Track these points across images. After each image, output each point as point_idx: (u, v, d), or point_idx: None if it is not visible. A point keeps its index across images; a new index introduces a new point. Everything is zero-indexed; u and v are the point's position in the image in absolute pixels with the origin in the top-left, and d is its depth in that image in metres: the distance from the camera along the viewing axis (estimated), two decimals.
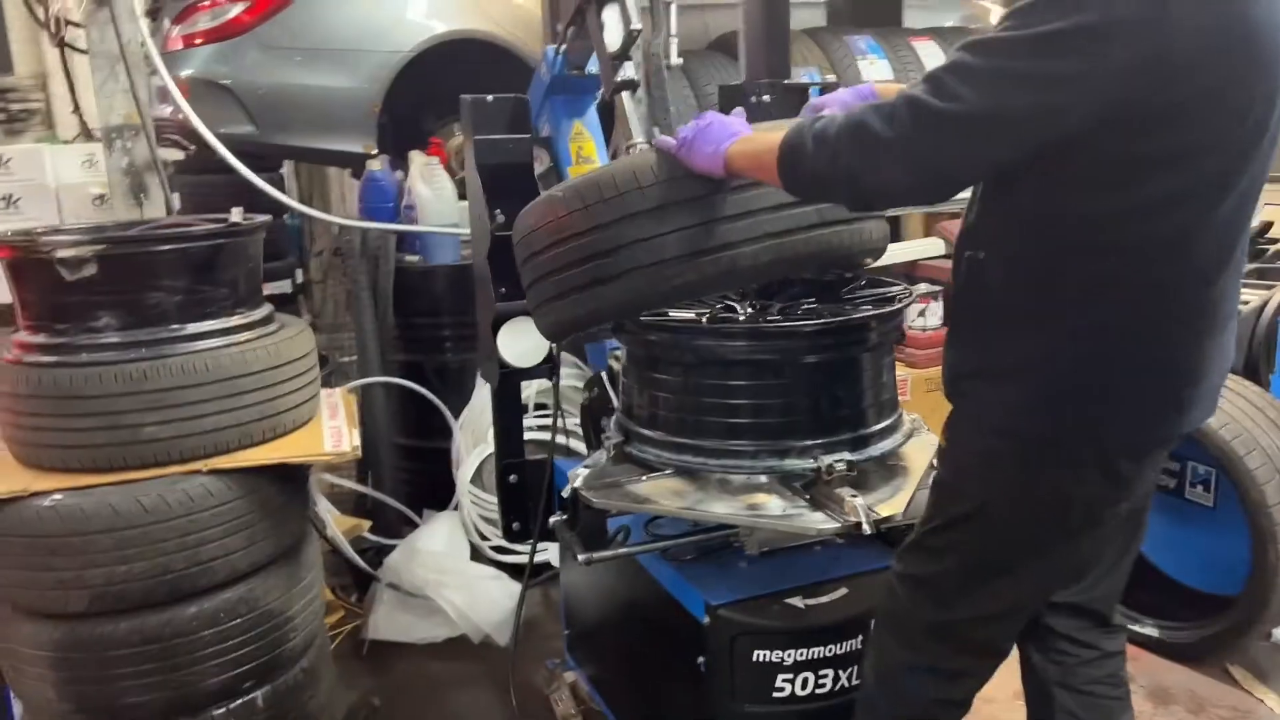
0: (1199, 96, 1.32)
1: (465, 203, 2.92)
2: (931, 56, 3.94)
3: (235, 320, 2.35)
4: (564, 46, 2.35)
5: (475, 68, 4.16)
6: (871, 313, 1.93)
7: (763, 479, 1.89)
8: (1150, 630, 2.91)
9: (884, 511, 1.79)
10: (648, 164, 1.70)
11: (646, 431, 1.99)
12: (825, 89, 2.54)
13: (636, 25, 2.02)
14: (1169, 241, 1.41)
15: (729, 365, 1.86)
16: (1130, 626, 2.53)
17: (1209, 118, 1.34)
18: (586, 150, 2.49)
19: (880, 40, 3.98)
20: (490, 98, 2.50)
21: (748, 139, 1.59)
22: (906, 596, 1.71)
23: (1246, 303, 2.87)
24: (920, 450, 2.04)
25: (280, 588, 2.33)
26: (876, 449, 1.92)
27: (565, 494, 2.00)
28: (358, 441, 2.43)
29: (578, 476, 1.98)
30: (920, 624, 1.69)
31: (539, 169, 2.51)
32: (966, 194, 1.63)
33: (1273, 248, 3.18)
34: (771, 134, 1.52)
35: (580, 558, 1.97)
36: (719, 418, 1.88)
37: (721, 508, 1.86)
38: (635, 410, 2.03)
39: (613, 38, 2.09)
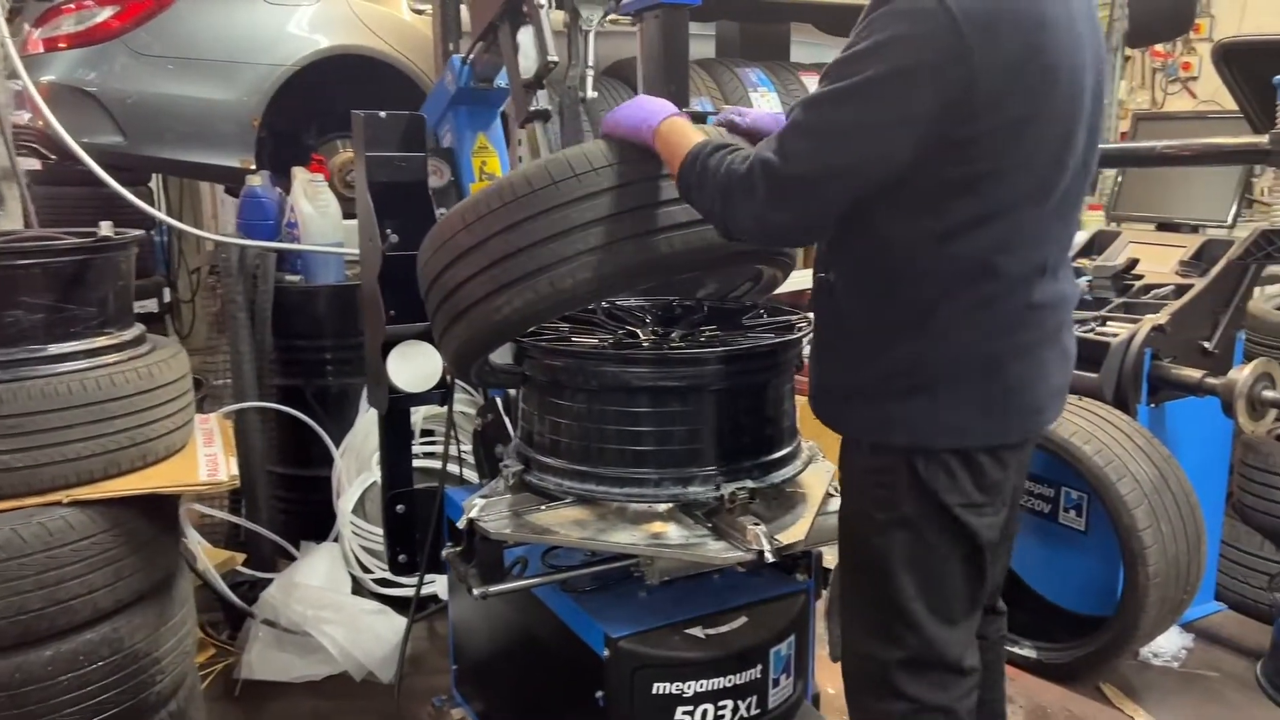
0: (1002, 127, 1.45)
1: (351, 221, 2.83)
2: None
3: (103, 341, 2.20)
4: (471, 58, 2.29)
5: (361, 84, 4.06)
6: (774, 340, 1.93)
7: (665, 507, 1.86)
8: (1028, 651, 2.99)
9: (785, 539, 1.79)
10: (541, 169, 1.69)
11: (547, 459, 1.94)
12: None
13: (554, 57, 1.98)
14: (979, 260, 1.53)
15: (632, 392, 1.83)
16: (1009, 648, 2.60)
17: (1012, 146, 1.47)
18: (491, 166, 2.44)
19: (770, 73, 4.05)
20: (383, 114, 2.42)
21: (677, 129, 1.65)
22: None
23: (1116, 335, 3.01)
24: (818, 477, 2.05)
25: (148, 627, 2.18)
26: (778, 476, 1.92)
27: (460, 525, 1.93)
28: (235, 470, 2.30)
29: (474, 506, 1.91)
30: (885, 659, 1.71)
31: (438, 183, 2.44)
32: None
33: (1138, 284, 3.34)
34: (693, 136, 1.62)
35: (476, 591, 1.89)
36: (621, 445, 1.85)
37: (623, 537, 1.82)
38: (535, 437, 1.98)
39: (527, 64, 2.04)
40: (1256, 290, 4.53)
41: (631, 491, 1.84)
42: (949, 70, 1.39)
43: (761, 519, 1.82)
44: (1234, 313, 3.12)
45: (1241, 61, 3.09)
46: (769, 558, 1.74)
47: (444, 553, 2.10)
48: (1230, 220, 3.51)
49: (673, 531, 1.84)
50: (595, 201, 1.67)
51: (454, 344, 1.86)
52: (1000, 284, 1.55)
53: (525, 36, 2.03)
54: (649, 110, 1.69)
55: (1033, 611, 3.08)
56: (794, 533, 1.83)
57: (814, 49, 5.06)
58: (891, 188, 1.49)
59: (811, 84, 4.04)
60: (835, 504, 2.01)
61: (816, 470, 2.07)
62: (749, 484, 1.85)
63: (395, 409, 2.52)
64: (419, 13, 4.27)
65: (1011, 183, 1.49)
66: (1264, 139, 2.69)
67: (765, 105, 3.87)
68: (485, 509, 1.92)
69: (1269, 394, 2.79)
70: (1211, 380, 2.87)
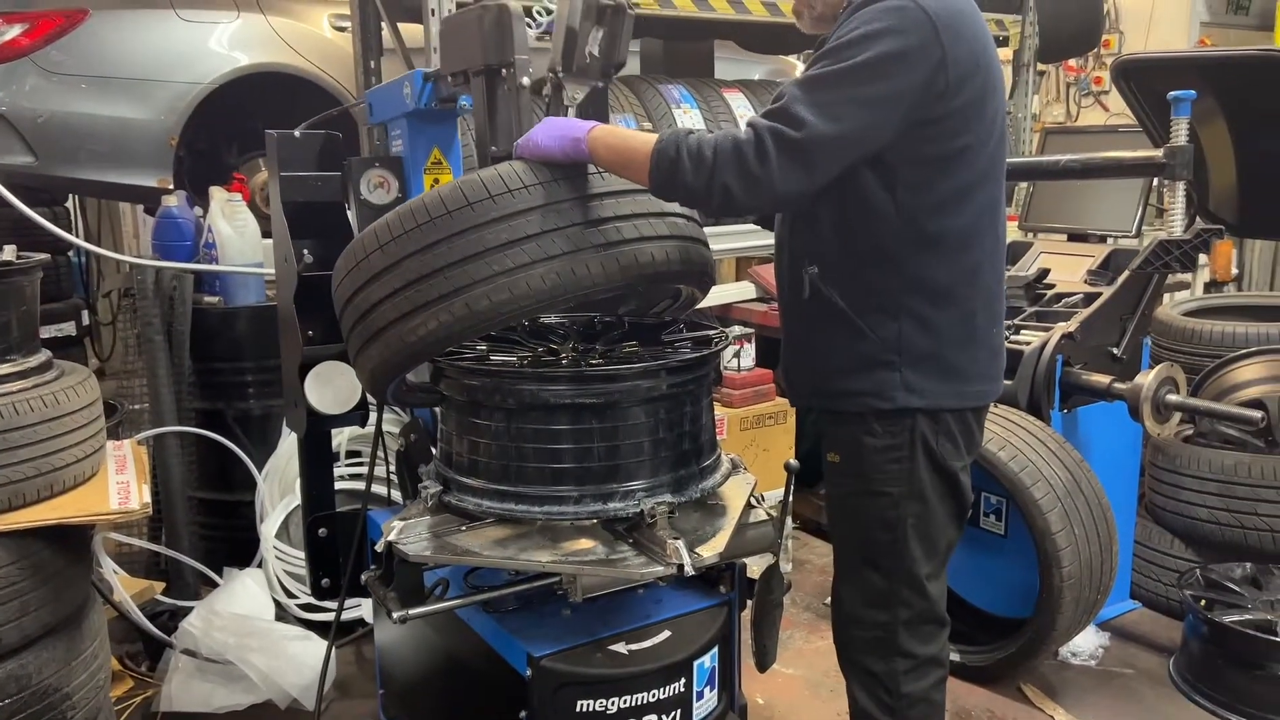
0: (968, 104, 1.74)
1: (270, 241, 2.79)
2: (741, 107, 4.08)
3: (5, 369, 2.14)
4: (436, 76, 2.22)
5: (282, 101, 4.01)
6: (692, 355, 1.95)
7: (586, 524, 1.87)
8: (951, 655, 3.04)
9: (705, 553, 1.81)
10: (455, 191, 1.69)
11: (466, 479, 1.93)
12: None
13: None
14: (963, 232, 1.80)
15: (550, 410, 1.83)
16: None
17: (975, 122, 1.77)
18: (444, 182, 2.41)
19: (693, 90, 4.09)
20: (297, 132, 2.40)
21: (611, 131, 1.75)
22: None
23: (1029, 343, 3.09)
24: (739, 488, 2.07)
25: (57, 661, 2.11)
26: (697, 489, 1.94)
27: (379, 547, 1.91)
28: (148, 498, 2.25)
29: (392, 529, 1.90)
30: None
31: (384, 197, 2.37)
32: (769, 237, 2.05)
33: (1050, 292, 3.44)
34: (636, 134, 1.75)
35: (395, 615, 1.88)
36: (541, 463, 1.85)
37: (545, 556, 1.82)
38: (455, 457, 1.97)
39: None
40: (1167, 297, 4.71)
41: (552, 510, 1.84)
42: (930, 54, 1.67)
43: (682, 533, 1.83)
44: (1140, 319, 3.22)
45: (1139, 78, 3.21)
46: (689, 571, 1.75)
47: (364, 577, 2.08)
48: (1135, 229, 3.63)
49: (595, 548, 1.84)
50: (512, 223, 1.67)
51: (369, 365, 1.84)
52: (982, 254, 1.83)
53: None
54: (567, 125, 1.75)
55: (955, 615, 3.12)
56: (713, 545, 1.84)
57: (737, 65, 5.13)
58: (878, 166, 1.73)
59: (735, 99, 4.10)
60: (756, 515, 2.04)
61: (737, 482, 2.10)
62: (668, 498, 1.86)
63: (314, 432, 2.49)
64: (340, 30, 4.23)
65: (975, 158, 1.77)
66: (1159, 152, 2.80)
67: (688, 122, 3.91)
68: (404, 531, 1.90)
69: (1172, 398, 2.89)
70: (1119, 385, 2.96)
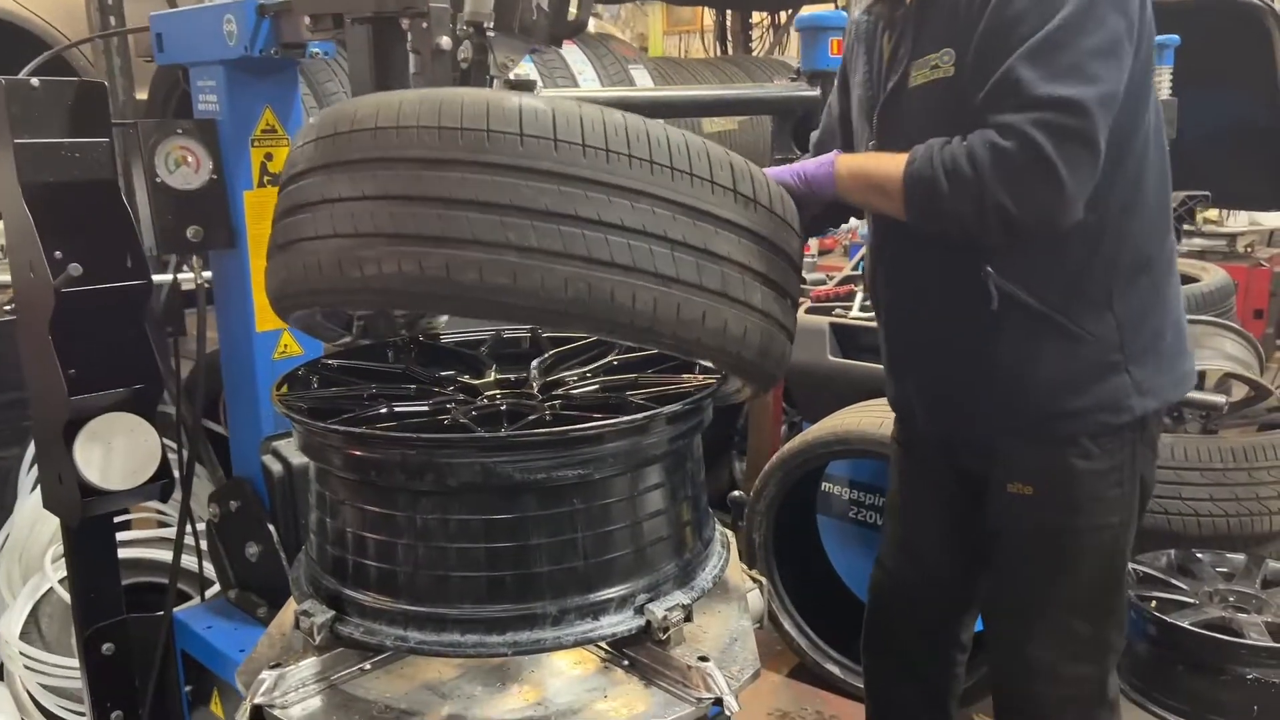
0: (1149, 47, 1.51)
1: None
2: (578, 62, 3.54)
3: None
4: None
5: None
6: (701, 386, 1.38)
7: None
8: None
9: (741, 674, 1.27)
10: (520, 111, 1.10)
11: (371, 598, 1.28)
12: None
13: None
14: (1163, 208, 1.60)
15: (510, 492, 1.22)
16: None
17: (1143, 84, 1.52)
18: (280, 161, 1.69)
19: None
20: (36, 81, 1.62)
21: (852, 158, 1.53)
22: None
23: None
24: (734, 554, 1.54)
25: None
26: (708, 578, 1.38)
27: (243, 715, 1.23)
28: None
29: (262, 683, 1.23)
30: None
31: (193, 179, 1.66)
32: None
33: None
34: (882, 160, 1.49)
35: None
36: (499, 570, 1.23)
37: (509, 706, 1.22)
38: (352, 566, 1.30)
39: None
40: None
41: (520, 638, 1.23)
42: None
43: (699, 645, 1.29)
44: None
45: None
46: (734, 706, 1.21)
47: None
48: None
49: (578, 684, 1.27)
50: (585, 192, 1.10)
51: (277, 277, 1.26)
52: (1169, 213, 1.61)
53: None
54: (813, 161, 1.52)
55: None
56: (745, 659, 1.31)
57: None
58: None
59: (571, 54, 3.54)
60: (743, 583, 1.52)
61: (730, 541, 1.56)
62: (679, 599, 1.30)
63: (90, 516, 1.73)
64: None
65: (1147, 124, 1.54)
66: None
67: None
68: (280, 684, 1.24)
69: None
70: None
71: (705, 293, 1.15)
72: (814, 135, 1.93)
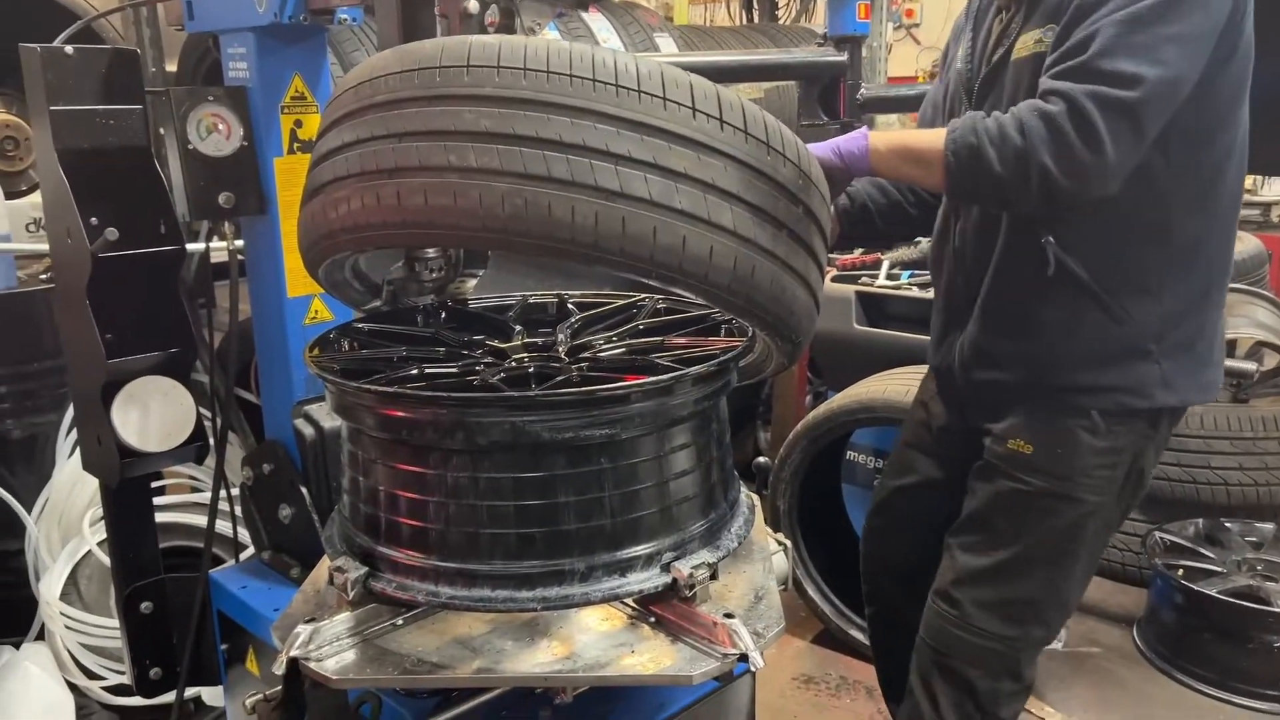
0: (1251, 37, 1.51)
1: (20, 202, 2.00)
2: (604, 30, 3.51)
3: None
4: None
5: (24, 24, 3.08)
6: (728, 347, 1.39)
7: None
8: None
9: (766, 631, 1.29)
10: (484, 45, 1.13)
11: (404, 554, 1.30)
12: None
13: None
14: (1235, 201, 1.60)
15: (541, 450, 1.23)
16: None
17: (1243, 76, 1.53)
18: (311, 127, 1.71)
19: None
20: (71, 49, 1.64)
21: (885, 134, 1.55)
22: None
23: None
24: (761, 527, 1.56)
25: None
26: (734, 537, 1.40)
27: (278, 668, 1.27)
28: None
29: (298, 637, 1.26)
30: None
31: (225, 146, 1.68)
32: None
33: None
34: (920, 133, 1.60)
35: None
36: (528, 527, 1.26)
37: (539, 660, 1.25)
38: (385, 523, 1.33)
39: None
40: None
41: (550, 593, 1.25)
42: None
43: (725, 603, 1.31)
44: None
45: None
46: (758, 662, 1.23)
47: (248, 702, 1.43)
48: None
49: (604, 639, 1.29)
50: (522, 112, 1.10)
51: (301, 226, 1.33)
52: (1233, 232, 1.62)
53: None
54: (847, 137, 1.55)
55: None
56: (770, 616, 1.33)
57: None
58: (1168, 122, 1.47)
59: (595, 21, 3.52)
60: (769, 545, 1.54)
61: (755, 504, 1.58)
62: (705, 557, 1.32)
63: (128, 478, 1.76)
64: None
65: (1236, 130, 1.55)
66: None
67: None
68: (315, 638, 1.27)
69: None
70: None
71: (654, 207, 1.11)
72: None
